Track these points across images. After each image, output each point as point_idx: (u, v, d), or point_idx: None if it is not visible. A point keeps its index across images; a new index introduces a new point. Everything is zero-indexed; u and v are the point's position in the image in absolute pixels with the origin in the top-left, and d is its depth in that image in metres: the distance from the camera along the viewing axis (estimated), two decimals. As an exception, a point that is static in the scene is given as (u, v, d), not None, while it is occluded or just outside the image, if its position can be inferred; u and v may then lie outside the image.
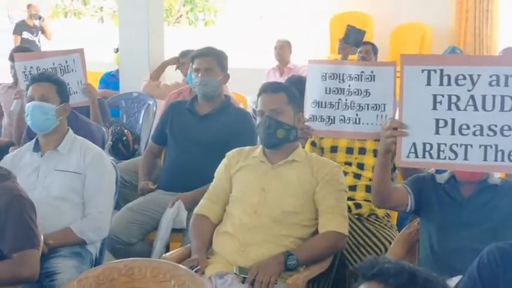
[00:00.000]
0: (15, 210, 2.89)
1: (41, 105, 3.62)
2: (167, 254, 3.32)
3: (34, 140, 3.69)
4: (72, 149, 3.60)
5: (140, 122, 6.35)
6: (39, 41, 10.95)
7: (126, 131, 5.95)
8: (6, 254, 2.86)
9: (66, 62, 4.96)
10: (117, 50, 7.30)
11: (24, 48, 5.86)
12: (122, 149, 5.82)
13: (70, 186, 3.52)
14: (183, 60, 6.22)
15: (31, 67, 4.92)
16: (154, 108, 6.33)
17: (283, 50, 7.93)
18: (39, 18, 10.99)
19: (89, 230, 3.46)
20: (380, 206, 3.49)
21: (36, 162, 3.59)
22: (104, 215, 3.55)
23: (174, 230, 3.99)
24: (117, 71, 7.14)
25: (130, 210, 4.13)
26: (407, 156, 2.88)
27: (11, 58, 5.56)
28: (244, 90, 6.78)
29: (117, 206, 4.05)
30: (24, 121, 4.53)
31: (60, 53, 5.10)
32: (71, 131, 3.70)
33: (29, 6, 11.16)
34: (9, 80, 5.75)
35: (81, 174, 3.53)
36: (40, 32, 11.00)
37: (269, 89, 3.31)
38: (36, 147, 3.63)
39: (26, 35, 10.85)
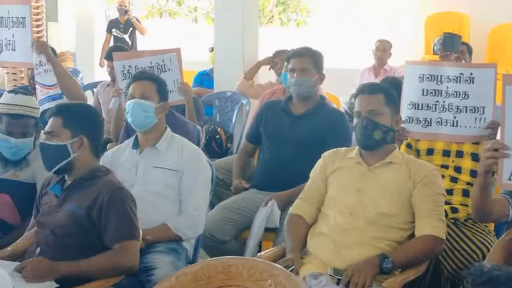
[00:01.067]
0: (118, 202, 2.98)
1: (141, 103, 3.70)
2: (262, 253, 3.34)
3: (133, 137, 3.78)
4: (170, 146, 3.67)
5: (233, 120, 6.41)
6: (129, 38, 10.27)
7: (219, 129, 6.02)
8: (108, 245, 2.95)
9: (163, 61, 5.05)
10: (212, 49, 7.39)
11: (121, 48, 6.00)
12: (215, 147, 5.90)
13: (167, 183, 3.58)
14: (277, 60, 6.24)
15: (129, 66, 5.04)
16: (248, 108, 6.38)
17: (384, 51, 7.84)
18: (125, 12, 10.26)
19: (185, 227, 3.52)
20: (481, 222, 3.41)
21: (135, 158, 3.68)
22: (200, 212, 3.60)
23: (267, 229, 4.01)
24: (211, 70, 7.24)
25: (224, 209, 4.17)
26: (509, 179, 2.78)
27: (108, 57, 5.71)
28: (336, 90, 6.74)
29: (211, 204, 4.09)
30: (122, 119, 4.67)
31: (157, 52, 5.20)
32: (169, 129, 3.77)
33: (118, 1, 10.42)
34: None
35: (178, 172, 3.59)
36: (131, 29, 10.34)
37: (367, 90, 3.28)
38: (136, 144, 3.72)
39: (115, 32, 10.24)
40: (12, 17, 4.50)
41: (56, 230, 3.00)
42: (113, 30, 10.22)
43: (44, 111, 4.29)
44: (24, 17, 4.47)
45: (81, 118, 3.11)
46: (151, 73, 4.14)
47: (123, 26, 10.26)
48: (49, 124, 3.09)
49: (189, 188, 3.58)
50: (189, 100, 5.12)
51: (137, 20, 10.58)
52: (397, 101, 3.43)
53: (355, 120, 3.26)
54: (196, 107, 5.31)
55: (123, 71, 5.04)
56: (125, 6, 10.27)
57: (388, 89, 3.35)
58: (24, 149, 3.61)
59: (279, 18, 12.57)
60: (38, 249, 3.02)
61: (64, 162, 3.05)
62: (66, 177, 3.12)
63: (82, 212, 2.97)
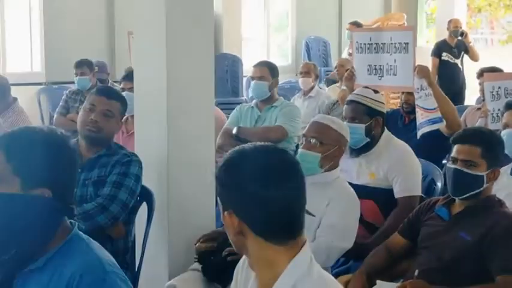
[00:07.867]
0: None
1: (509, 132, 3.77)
2: None
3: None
4: None
5: None
6: (461, 63, 9.29)
7: None
8: (492, 275, 2.92)
9: None
10: None
11: (494, 69, 5.92)
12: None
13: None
14: None
15: (499, 87, 4.97)
16: None
17: None
18: (461, 35, 9.23)
19: None
20: None
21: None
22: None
23: None
24: None
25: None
26: None
27: (479, 76, 5.71)
28: None
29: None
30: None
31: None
32: None
33: (449, 22, 9.46)
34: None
35: None
36: (463, 53, 9.28)
37: None
38: (512, 171, 3.70)
39: (445, 56, 9.20)
40: (395, 43, 4.68)
41: (443, 255, 3.05)
42: (443, 54, 9.24)
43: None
44: (407, 43, 4.63)
45: (499, 151, 3.18)
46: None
47: (456, 50, 9.27)
48: (467, 151, 3.11)
49: None
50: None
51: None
52: None
53: None
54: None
55: (492, 92, 4.98)
56: (460, 27, 9.36)
57: None
58: (355, 134, 3.73)
59: None
60: (417, 271, 3.09)
61: (474, 192, 3.09)
62: (456, 202, 3.17)
63: (474, 240, 2.99)
